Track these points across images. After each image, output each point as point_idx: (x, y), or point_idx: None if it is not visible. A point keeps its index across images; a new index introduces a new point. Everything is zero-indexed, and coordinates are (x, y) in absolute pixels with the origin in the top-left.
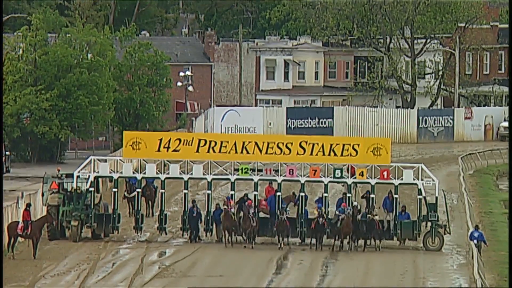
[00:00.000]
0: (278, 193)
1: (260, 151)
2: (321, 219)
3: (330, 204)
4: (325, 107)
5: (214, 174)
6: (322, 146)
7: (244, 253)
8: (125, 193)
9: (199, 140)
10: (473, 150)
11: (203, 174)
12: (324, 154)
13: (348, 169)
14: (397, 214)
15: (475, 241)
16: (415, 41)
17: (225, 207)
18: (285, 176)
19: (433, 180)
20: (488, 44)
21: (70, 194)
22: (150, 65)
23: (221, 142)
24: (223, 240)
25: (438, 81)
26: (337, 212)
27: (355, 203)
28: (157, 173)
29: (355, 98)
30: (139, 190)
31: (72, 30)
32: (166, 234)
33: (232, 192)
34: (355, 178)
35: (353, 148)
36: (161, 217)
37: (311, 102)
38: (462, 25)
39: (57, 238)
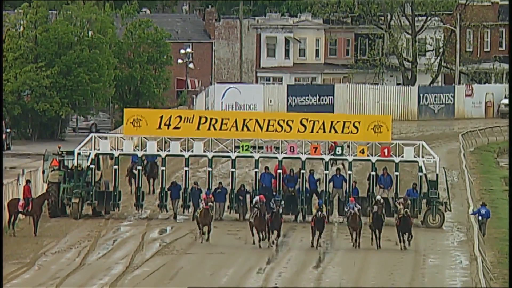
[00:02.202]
0: (281, 172)
1: (261, 128)
2: (319, 213)
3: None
4: (326, 84)
5: (215, 152)
6: (323, 123)
7: (245, 231)
8: (133, 170)
9: (200, 118)
10: (473, 127)
11: (204, 152)
12: (324, 132)
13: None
14: (408, 191)
15: (480, 218)
16: (416, 18)
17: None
18: (285, 153)
19: (433, 158)
20: (489, 21)
21: (71, 172)
22: (151, 42)
23: (222, 120)
24: (255, 241)
25: (438, 58)
26: (345, 209)
27: (378, 197)
28: (157, 151)
29: (356, 75)
30: (139, 167)
31: (73, 8)
32: (166, 211)
33: (233, 169)
34: (354, 155)
35: (353, 125)
36: (162, 194)
37: (312, 79)
38: (463, 2)
39: (57, 216)
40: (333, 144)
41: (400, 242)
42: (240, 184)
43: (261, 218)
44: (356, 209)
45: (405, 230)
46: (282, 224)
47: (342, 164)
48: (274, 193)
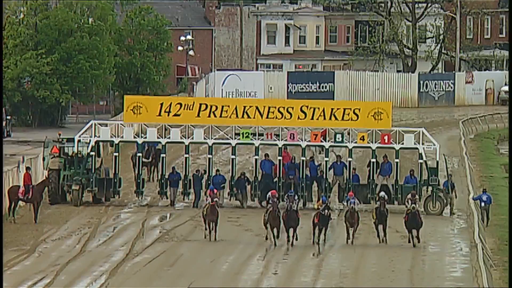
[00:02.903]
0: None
1: (261, 115)
2: (326, 211)
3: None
4: (326, 71)
5: (215, 139)
6: (323, 110)
7: (245, 218)
8: (143, 158)
9: (200, 105)
10: (474, 114)
11: (204, 139)
12: (325, 119)
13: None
14: (406, 178)
15: (483, 204)
16: (416, 5)
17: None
18: (286, 140)
19: (434, 145)
20: (489, 8)
21: (71, 159)
22: (151, 29)
23: (222, 107)
24: (270, 238)
25: (439, 45)
26: (344, 203)
27: (382, 194)
28: (158, 138)
29: (356, 62)
30: (139, 154)
31: None
32: (167, 198)
33: (233, 156)
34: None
35: (354, 112)
36: (162, 181)
37: (312, 66)
38: None
39: (58, 202)
40: (322, 132)
41: (410, 238)
42: (240, 172)
43: (274, 214)
44: (355, 205)
45: (413, 226)
46: (299, 221)
47: (320, 152)
48: (274, 180)
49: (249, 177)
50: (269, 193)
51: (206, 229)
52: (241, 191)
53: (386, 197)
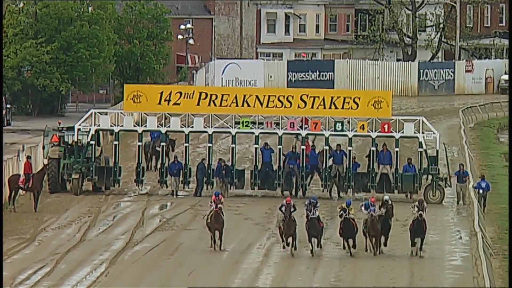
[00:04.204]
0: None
1: (261, 104)
2: (348, 213)
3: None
4: (326, 60)
5: (215, 127)
6: (323, 99)
7: (246, 206)
8: (157, 148)
9: (200, 93)
10: (473, 103)
11: (204, 127)
12: (325, 107)
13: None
14: (404, 166)
15: (481, 191)
16: None
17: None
18: (285, 129)
19: (434, 133)
20: None
21: (71, 147)
22: (151, 18)
23: (222, 95)
24: (287, 247)
25: (439, 34)
26: (362, 209)
27: (386, 197)
28: (158, 126)
29: (356, 51)
30: (140, 143)
31: None
32: (167, 187)
33: (233, 145)
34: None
35: (353, 101)
36: (162, 170)
37: (312, 55)
38: None
39: (58, 191)
40: (305, 119)
41: (412, 246)
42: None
43: (289, 222)
44: (375, 212)
45: (419, 234)
46: (323, 230)
47: (300, 139)
48: (274, 169)
49: (250, 165)
50: (284, 201)
51: (211, 238)
52: (222, 179)
53: (391, 202)
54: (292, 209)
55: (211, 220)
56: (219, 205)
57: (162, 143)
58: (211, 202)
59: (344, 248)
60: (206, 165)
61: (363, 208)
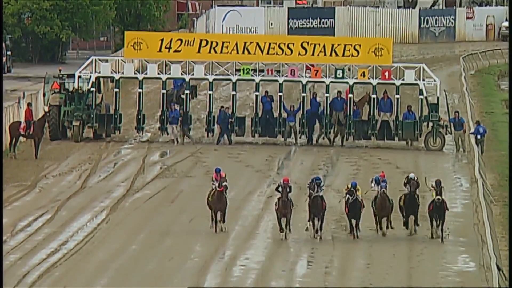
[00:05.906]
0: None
1: (262, 51)
2: (355, 196)
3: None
4: (327, 7)
5: (216, 75)
6: (324, 46)
7: (246, 153)
8: (182, 95)
9: (201, 41)
10: (474, 50)
11: (205, 75)
12: (325, 55)
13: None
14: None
15: (479, 137)
16: None
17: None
18: (286, 76)
19: (434, 80)
20: None
21: (72, 94)
22: None
23: (223, 43)
24: (281, 233)
25: None
26: (372, 185)
27: (411, 175)
28: (158, 74)
29: None
30: (140, 90)
31: None
32: (167, 134)
33: (234, 92)
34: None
35: (354, 48)
36: (163, 117)
37: (313, 2)
38: None
39: (58, 138)
40: (293, 69)
41: (431, 228)
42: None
43: (284, 202)
44: (385, 189)
45: (437, 218)
46: (325, 211)
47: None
48: (274, 117)
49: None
50: (281, 180)
51: (212, 219)
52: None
53: (417, 178)
54: (288, 190)
55: (213, 199)
56: (223, 183)
57: (186, 91)
58: (213, 181)
59: (351, 230)
60: (226, 112)
61: (373, 183)
